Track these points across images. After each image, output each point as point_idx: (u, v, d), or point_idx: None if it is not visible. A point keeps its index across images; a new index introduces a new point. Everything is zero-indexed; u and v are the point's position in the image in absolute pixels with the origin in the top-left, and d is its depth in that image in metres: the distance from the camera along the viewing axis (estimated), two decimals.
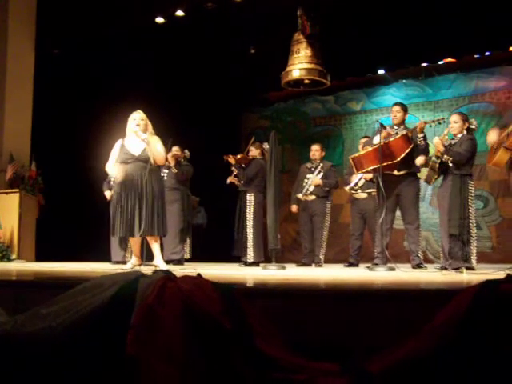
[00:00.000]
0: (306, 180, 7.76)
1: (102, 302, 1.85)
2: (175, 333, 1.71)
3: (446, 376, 1.60)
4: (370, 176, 7.17)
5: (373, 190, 7.27)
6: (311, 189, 7.71)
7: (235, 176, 7.74)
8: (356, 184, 7.49)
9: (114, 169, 5.36)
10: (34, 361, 1.84)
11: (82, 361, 1.82)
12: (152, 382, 1.68)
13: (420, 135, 5.94)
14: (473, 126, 5.75)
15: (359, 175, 7.19)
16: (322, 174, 7.75)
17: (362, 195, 7.52)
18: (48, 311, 1.93)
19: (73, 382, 1.84)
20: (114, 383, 1.79)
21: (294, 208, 7.99)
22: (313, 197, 7.72)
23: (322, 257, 7.74)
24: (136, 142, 5.26)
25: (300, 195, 7.77)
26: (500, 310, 1.59)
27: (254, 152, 7.66)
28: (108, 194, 7.76)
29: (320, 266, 7.58)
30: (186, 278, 1.94)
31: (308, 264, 7.73)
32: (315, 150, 7.90)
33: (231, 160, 7.55)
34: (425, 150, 6.03)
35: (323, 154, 8.01)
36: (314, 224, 7.79)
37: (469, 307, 1.64)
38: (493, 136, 5.50)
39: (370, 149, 6.10)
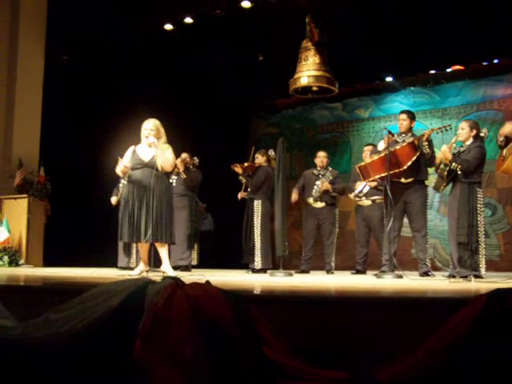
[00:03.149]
0: (315, 187, 7.76)
1: (111, 308, 1.85)
2: (183, 340, 1.71)
3: None
4: (374, 184, 7.17)
5: (377, 198, 7.27)
6: (318, 194, 7.72)
7: (244, 189, 7.75)
8: (361, 191, 7.48)
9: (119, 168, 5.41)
10: (43, 366, 1.85)
11: (90, 366, 1.83)
12: None
13: (425, 142, 5.92)
14: (482, 134, 5.72)
15: (363, 182, 7.18)
16: (331, 179, 7.77)
17: (366, 202, 7.52)
18: (57, 317, 1.94)
19: None
20: None
21: (295, 196, 7.88)
22: (322, 204, 7.73)
23: (333, 264, 7.74)
24: (147, 149, 5.31)
25: (311, 200, 7.75)
26: (509, 320, 1.59)
27: (259, 159, 7.66)
28: (114, 199, 7.80)
29: (332, 273, 7.57)
30: (194, 284, 1.94)
31: (306, 271, 7.72)
32: (323, 157, 7.90)
33: (238, 169, 7.56)
34: (431, 158, 6.01)
35: (328, 161, 8.02)
36: (322, 232, 7.79)
37: (479, 316, 1.63)
38: (509, 127, 5.39)
39: (376, 157, 6.09)
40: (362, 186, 7.42)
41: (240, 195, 7.84)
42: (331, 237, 7.75)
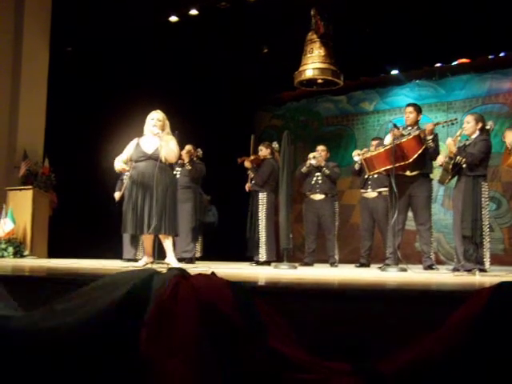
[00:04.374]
0: (315, 178, 7.73)
1: (116, 299, 1.86)
2: (189, 331, 1.72)
3: (460, 378, 1.60)
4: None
5: (383, 190, 7.25)
6: (313, 162, 7.64)
7: (251, 181, 7.74)
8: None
9: (118, 163, 5.40)
10: (49, 356, 1.86)
11: (95, 357, 1.84)
12: (165, 380, 1.69)
13: (429, 137, 5.91)
14: (488, 127, 5.70)
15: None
16: (328, 172, 7.69)
17: (371, 194, 7.50)
18: (63, 307, 1.95)
19: (86, 378, 1.85)
20: (127, 381, 1.80)
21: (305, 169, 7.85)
22: (321, 196, 7.69)
23: (336, 257, 7.73)
24: (150, 141, 5.31)
25: (310, 194, 7.72)
26: None
27: (264, 152, 7.64)
28: (117, 194, 7.79)
29: (336, 266, 7.55)
30: (200, 276, 1.94)
31: (310, 264, 7.71)
32: (321, 151, 7.87)
33: (248, 164, 7.55)
34: (435, 151, 6.00)
35: (328, 155, 7.99)
36: (323, 225, 7.77)
37: (483, 309, 1.63)
38: (511, 137, 5.39)
39: (381, 150, 6.07)
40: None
41: (247, 186, 7.82)
42: (332, 230, 7.74)
